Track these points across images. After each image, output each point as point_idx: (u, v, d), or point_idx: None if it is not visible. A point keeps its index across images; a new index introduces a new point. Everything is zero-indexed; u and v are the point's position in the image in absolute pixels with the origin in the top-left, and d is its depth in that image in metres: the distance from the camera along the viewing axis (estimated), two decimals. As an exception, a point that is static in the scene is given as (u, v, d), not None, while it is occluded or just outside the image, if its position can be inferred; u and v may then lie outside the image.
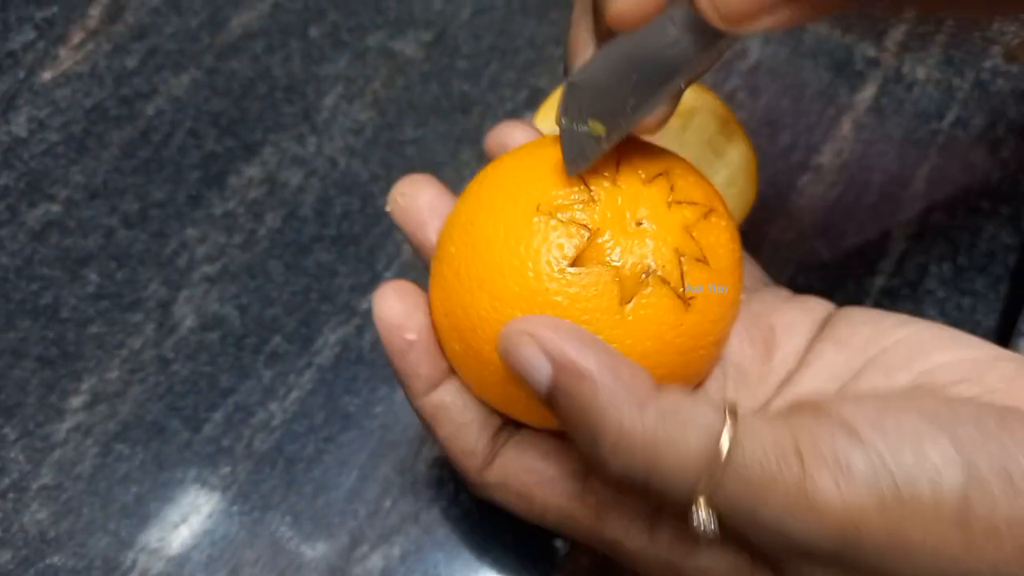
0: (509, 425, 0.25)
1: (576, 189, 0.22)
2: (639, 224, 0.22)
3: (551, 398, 0.20)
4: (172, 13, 0.38)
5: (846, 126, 0.39)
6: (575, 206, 0.22)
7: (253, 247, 0.34)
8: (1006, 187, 0.38)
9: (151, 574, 0.29)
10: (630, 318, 0.22)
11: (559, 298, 0.22)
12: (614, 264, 0.22)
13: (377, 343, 0.33)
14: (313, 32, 0.38)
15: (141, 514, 0.30)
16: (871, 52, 0.40)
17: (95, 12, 0.38)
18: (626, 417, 0.19)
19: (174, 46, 0.38)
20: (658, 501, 0.21)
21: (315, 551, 0.30)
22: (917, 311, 0.35)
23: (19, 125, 0.36)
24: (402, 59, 0.38)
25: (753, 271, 0.28)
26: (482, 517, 0.30)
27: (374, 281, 0.34)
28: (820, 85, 0.40)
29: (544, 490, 0.23)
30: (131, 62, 0.37)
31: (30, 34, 0.38)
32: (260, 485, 0.31)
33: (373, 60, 0.38)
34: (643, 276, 0.22)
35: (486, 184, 0.24)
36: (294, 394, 0.32)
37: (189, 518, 0.30)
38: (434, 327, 0.24)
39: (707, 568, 0.22)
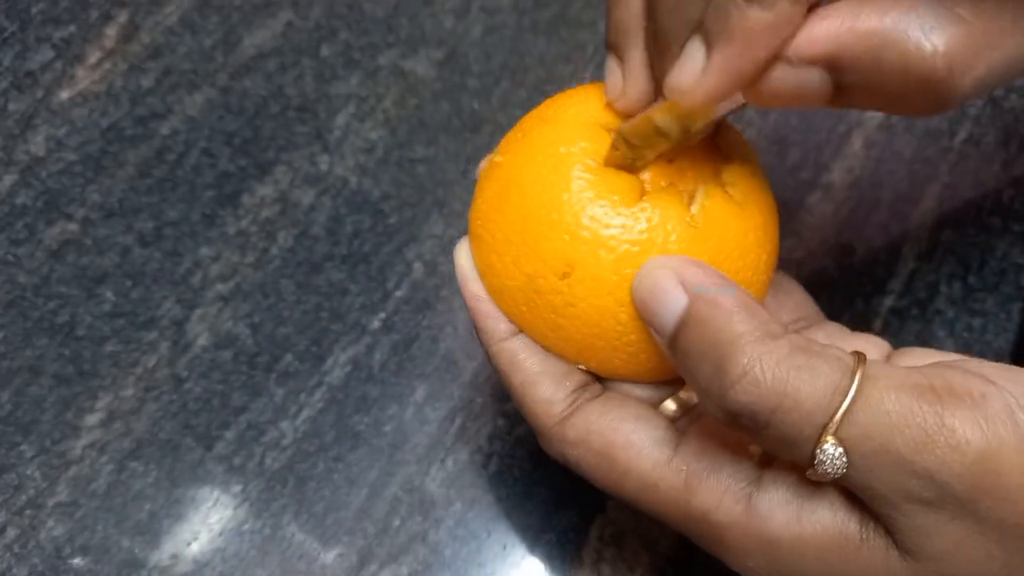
0: (591, 386, 0.24)
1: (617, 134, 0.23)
2: (672, 161, 0.24)
3: (679, 331, 0.21)
4: (187, 33, 0.39)
5: (856, 143, 0.39)
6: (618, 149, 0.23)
7: (265, 266, 0.35)
8: (1018, 205, 0.38)
9: (164, 591, 0.30)
10: (697, 229, 0.23)
11: (625, 239, 0.22)
12: (665, 193, 0.23)
13: (387, 362, 0.33)
14: (325, 51, 0.39)
15: (154, 531, 0.30)
16: (882, 68, 0.40)
17: (111, 32, 0.39)
18: (759, 348, 0.19)
19: (188, 66, 0.38)
20: (776, 441, 0.20)
21: (325, 569, 0.30)
22: (926, 331, 0.35)
23: (37, 144, 0.36)
24: (413, 78, 0.39)
25: (809, 305, 0.28)
26: (489, 537, 0.31)
27: (384, 300, 0.34)
28: (830, 102, 0.40)
29: (629, 453, 0.23)
30: (146, 82, 0.38)
31: (48, 54, 0.38)
32: (271, 503, 0.31)
33: (384, 79, 0.39)
34: (700, 194, 0.23)
35: (526, 142, 0.24)
36: (305, 412, 0.32)
37: (201, 535, 0.30)
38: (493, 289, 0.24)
39: (809, 536, 0.21)
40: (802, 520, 0.21)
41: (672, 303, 0.21)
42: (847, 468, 0.19)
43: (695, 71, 0.20)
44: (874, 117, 0.39)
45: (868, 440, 0.19)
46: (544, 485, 0.32)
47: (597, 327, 0.23)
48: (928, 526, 0.19)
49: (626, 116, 0.24)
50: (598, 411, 0.23)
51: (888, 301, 0.36)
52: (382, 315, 0.34)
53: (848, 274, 0.36)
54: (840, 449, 0.19)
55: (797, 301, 0.28)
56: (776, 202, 0.25)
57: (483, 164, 0.26)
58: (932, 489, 0.19)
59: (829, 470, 0.19)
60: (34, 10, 0.39)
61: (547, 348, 0.24)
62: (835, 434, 0.19)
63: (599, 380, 0.25)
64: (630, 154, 0.23)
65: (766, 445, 0.21)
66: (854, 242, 0.37)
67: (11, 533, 0.30)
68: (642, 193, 0.23)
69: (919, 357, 0.24)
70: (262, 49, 0.39)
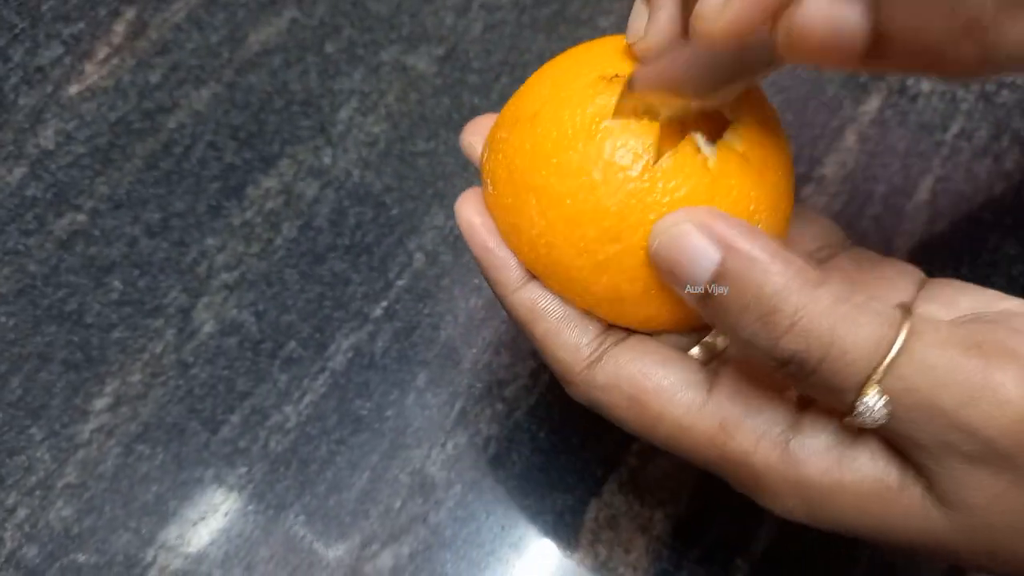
0: (615, 330, 0.24)
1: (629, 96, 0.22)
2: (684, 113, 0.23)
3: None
4: (193, 29, 0.40)
5: (850, 138, 0.39)
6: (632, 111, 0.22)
7: (270, 256, 0.36)
8: (1010, 198, 0.38)
9: (170, 570, 0.30)
10: (714, 181, 0.22)
11: (650, 194, 0.22)
12: (685, 148, 0.22)
13: (389, 349, 0.34)
14: (329, 48, 0.40)
15: (161, 512, 0.31)
16: (876, 65, 0.41)
17: (120, 28, 0.40)
18: (804, 298, 0.19)
19: (195, 61, 0.39)
20: (820, 388, 0.20)
21: (327, 549, 0.31)
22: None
23: (47, 138, 0.37)
24: (415, 73, 0.39)
25: (835, 230, 0.28)
26: (488, 519, 0.31)
27: (386, 289, 0.35)
28: (825, 98, 0.40)
29: (662, 396, 0.22)
30: (154, 77, 0.39)
31: (58, 50, 0.39)
32: (275, 485, 0.32)
33: (387, 75, 0.39)
34: (709, 146, 0.22)
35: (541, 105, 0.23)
36: (308, 398, 0.33)
37: (207, 516, 0.31)
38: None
39: (848, 484, 0.21)
40: (842, 467, 0.21)
41: (703, 259, 0.20)
42: (888, 419, 0.19)
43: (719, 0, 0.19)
44: (868, 112, 0.40)
45: (912, 393, 0.19)
46: (542, 468, 0.32)
47: (615, 278, 0.23)
48: (968, 479, 0.19)
49: (642, 61, 0.23)
50: (627, 355, 0.23)
51: (881, 291, 0.36)
52: (384, 303, 0.35)
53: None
54: (882, 400, 0.19)
55: (821, 228, 0.28)
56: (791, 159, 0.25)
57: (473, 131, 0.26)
58: (975, 443, 0.19)
59: (868, 420, 0.19)
60: (44, 7, 0.40)
61: (564, 298, 0.24)
62: (879, 384, 0.19)
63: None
64: (640, 108, 0.22)
65: (809, 391, 0.21)
66: (849, 235, 0.37)
67: (22, 513, 0.31)
68: (656, 144, 0.22)
69: (955, 290, 0.24)
70: (267, 45, 0.40)
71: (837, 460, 0.21)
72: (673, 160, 0.22)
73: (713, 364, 0.24)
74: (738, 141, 0.23)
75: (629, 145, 0.22)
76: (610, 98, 0.22)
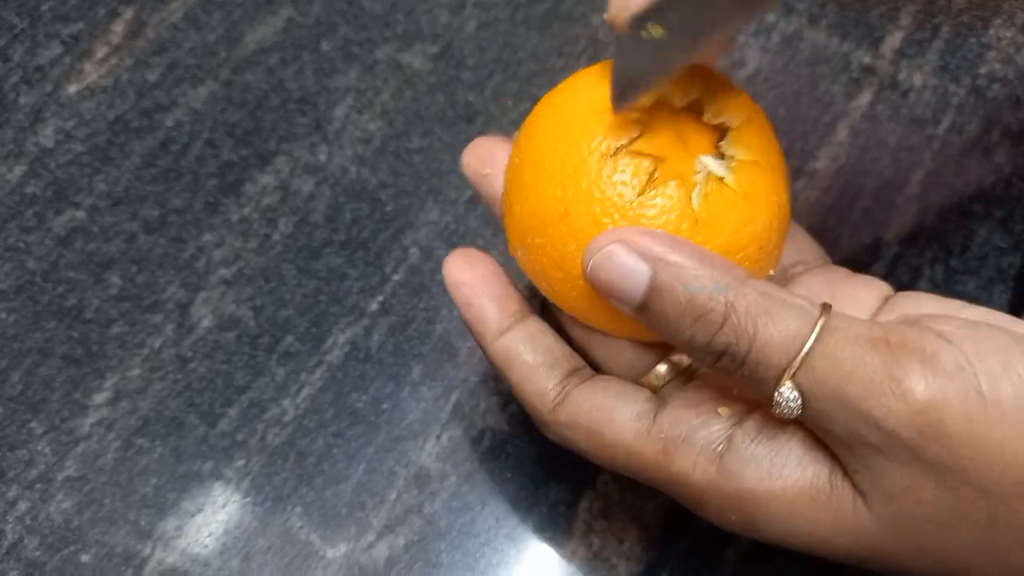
0: (580, 371, 0.26)
1: (629, 123, 0.24)
2: (686, 142, 0.24)
3: (649, 299, 0.21)
4: (191, 29, 0.40)
5: (842, 133, 0.40)
6: (629, 138, 0.24)
7: (267, 251, 0.36)
8: (999, 190, 0.39)
9: (168, 561, 0.31)
10: (700, 222, 0.23)
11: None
12: (674, 182, 0.23)
13: (385, 343, 0.35)
14: (325, 46, 0.40)
15: (160, 504, 0.32)
16: (867, 59, 0.41)
17: (118, 28, 0.40)
18: (731, 295, 0.21)
19: (193, 60, 0.39)
20: (748, 380, 0.21)
21: (324, 540, 0.31)
22: (909, 312, 0.36)
23: (46, 136, 0.38)
24: (410, 71, 0.40)
25: (812, 248, 0.29)
26: (483, 509, 0.32)
27: (382, 284, 0.36)
28: (816, 93, 0.41)
29: (614, 427, 0.24)
30: (152, 76, 0.39)
31: (57, 49, 0.40)
32: (272, 477, 0.32)
33: (382, 72, 0.40)
34: (702, 181, 0.23)
35: (542, 129, 0.25)
36: (305, 391, 0.34)
37: (205, 508, 0.32)
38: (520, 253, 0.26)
39: (779, 491, 0.22)
40: (772, 476, 0.22)
41: (635, 275, 0.22)
42: (802, 410, 0.21)
43: None
44: (859, 107, 0.40)
45: (822, 385, 0.20)
46: (535, 460, 0.33)
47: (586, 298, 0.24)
48: (879, 468, 0.20)
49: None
50: (584, 394, 0.25)
51: (871, 283, 0.37)
52: (380, 298, 0.35)
53: (832, 259, 0.37)
54: (796, 392, 0.20)
55: (799, 245, 0.29)
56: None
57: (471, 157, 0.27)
58: (880, 435, 0.20)
59: (785, 411, 0.21)
60: (44, 7, 0.40)
61: (554, 301, 0.26)
62: (792, 378, 0.20)
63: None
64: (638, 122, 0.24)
65: (742, 385, 0.22)
66: (838, 228, 0.38)
67: (23, 506, 0.31)
68: (651, 178, 0.23)
69: (916, 301, 0.25)
70: (264, 44, 0.40)
71: (768, 470, 0.22)
72: (659, 194, 0.23)
73: (670, 387, 0.26)
74: (731, 172, 0.24)
75: (624, 177, 0.23)
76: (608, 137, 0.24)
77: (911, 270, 0.37)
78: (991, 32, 0.42)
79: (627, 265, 0.22)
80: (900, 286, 0.37)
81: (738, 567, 0.31)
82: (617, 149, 0.23)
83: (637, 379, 0.26)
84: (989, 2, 0.43)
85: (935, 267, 0.37)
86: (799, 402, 0.20)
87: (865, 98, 0.40)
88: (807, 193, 0.38)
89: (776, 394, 0.21)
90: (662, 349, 0.27)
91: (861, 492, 0.21)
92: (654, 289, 0.21)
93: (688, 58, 0.23)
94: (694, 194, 0.23)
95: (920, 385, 0.19)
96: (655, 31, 0.22)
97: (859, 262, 0.37)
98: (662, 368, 0.26)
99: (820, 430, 0.21)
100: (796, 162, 0.39)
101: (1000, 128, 0.40)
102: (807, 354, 0.20)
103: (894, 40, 0.42)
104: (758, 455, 0.22)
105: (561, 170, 0.24)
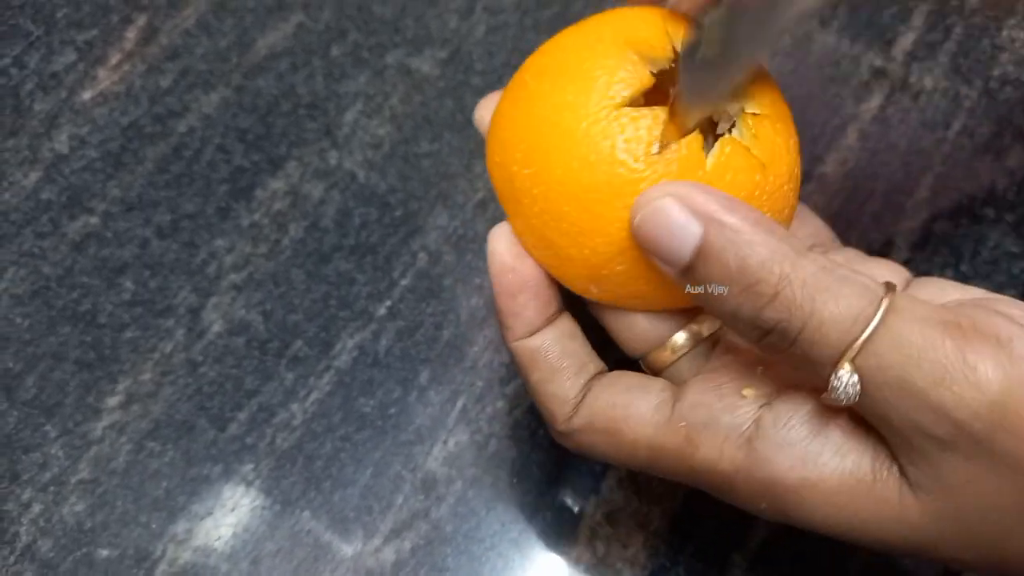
0: (599, 375, 0.24)
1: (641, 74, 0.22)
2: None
3: (696, 261, 0.20)
4: (203, 35, 0.40)
5: (852, 136, 0.40)
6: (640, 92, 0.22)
7: (277, 256, 0.36)
8: (1011, 195, 0.38)
9: (179, 563, 0.31)
10: (712, 182, 0.21)
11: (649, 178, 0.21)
12: (691, 138, 0.22)
13: (393, 347, 0.35)
14: (334, 51, 0.40)
15: (170, 507, 0.32)
16: (878, 62, 0.41)
17: (131, 35, 0.40)
18: (787, 267, 0.19)
19: (205, 66, 0.40)
20: (799, 360, 0.20)
21: (331, 543, 0.32)
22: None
23: (61, 142, 0.38)
24: (419, 76, 0.40)
25: (826, 231, 0.28)
26: (488, 514, 0.32)
27: (390, 289, 0.36)
28: (826, 96, 0.40)
29: (632, 423, 0.23)
30: (165, 82, 0.39)
31: (71, 56, 0.40)
32: (281, 481, 0.32)
33: (391, 77, 0.40)
34: (717, 140, 0.22)
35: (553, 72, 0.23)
36: (314, 395, 0.34)
37: (215, 511, 0.32)
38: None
39: (816, 480, 0.20)
40: (807, 464, 0.20)
41: (684, 234, 0.20)
42: (860, 397, 0.19)
43: None
44: (870, 110, 0.40)
45: (885, 370, 0.19)
46: (541, 466, 0.33)
47: (603, 254, 0.23)
48: (939, 461, 0.19)
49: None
50: (596, 393, 0.24)
51: (880, 289, 0.36)
52: (388, 303, 0.36)
53: (842, 263, 0.37)
54: (855, 377, 0.19)
55: (813, 227, 0.28)
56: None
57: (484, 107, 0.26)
58: (946, 425, 0.18)
59: (841, 397, 0.19)
60: (58, 15, 0.41)
61: (559, 276, 0.24)
62: (852, 361, 0.19)
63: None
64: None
65: (790, 364, 0.20)
66: (847, 233, 0.38)
67: (36, 508, 0.32)
68: (662, 135, 0.22)
69: (940, 288, 0.23)
70: (274, 50, 0.40)
71: (802, 457, 0.20)
72: (673, 150, 0.22)
73: (681, 370, 0.24)
74: (746, 135, 0.23)
75: (631, 132, 0.22)
76: (627, 83, 0.22)
77: (921, 275, 0.37)
78: (1004, 33, 0.42)
79: (678, 222, 0.20)
80: (909, 291, 0.37)
81: (744, 572, 0.31)
82: (623, 103, 0.22)
83: (651, 351, 0.25)
84: (1002, 2, 0.43)
85: (945, 272, 0.37)
86: (858, 387, 0.19)
87: (876, 101, 0.40)
88: (815, 198, 0.38)
89: (833, 378, 0.19)
90: (678, 318, 0.25)
91: (912, 483, 0.19)
92: (703, 250, 0.20)
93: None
94: (708, 153, 0.22)
95: (997, 373, 0.18)
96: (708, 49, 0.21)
97: (868, 267, 0.37)
98: (680, 337, 0.24)
99: (875, 418, 0.19)
100: (805, 165, 0.39)
101: (1012, 131, 0.39)
102: (870, 337, 0.18)
103: (906, 42, 0.42)
104: (791, 440, 0.21)
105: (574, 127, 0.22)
